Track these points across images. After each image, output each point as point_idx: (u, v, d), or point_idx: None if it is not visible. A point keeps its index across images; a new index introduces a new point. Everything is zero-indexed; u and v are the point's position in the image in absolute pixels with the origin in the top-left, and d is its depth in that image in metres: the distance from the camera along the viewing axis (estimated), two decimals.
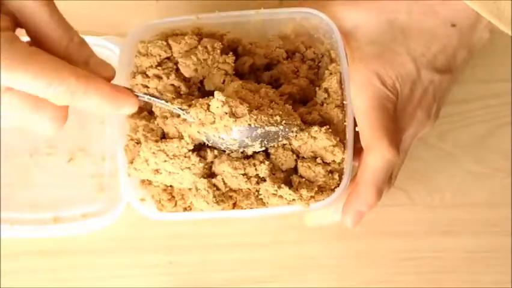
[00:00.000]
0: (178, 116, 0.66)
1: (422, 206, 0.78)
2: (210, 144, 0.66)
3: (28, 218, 0.75)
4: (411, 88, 0.67)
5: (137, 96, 0.60)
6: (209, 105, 0.64)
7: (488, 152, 0.78)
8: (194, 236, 0.77)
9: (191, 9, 0.78)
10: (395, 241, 0.77)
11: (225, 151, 0.66)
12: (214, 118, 0.64)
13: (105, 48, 0.75)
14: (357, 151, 0.66)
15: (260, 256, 0.77)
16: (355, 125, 0.66)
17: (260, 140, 0.64)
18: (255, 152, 0.66)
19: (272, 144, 0.65)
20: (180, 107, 0.65)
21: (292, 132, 0.65)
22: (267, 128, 0.63)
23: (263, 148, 0.65)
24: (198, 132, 0.65)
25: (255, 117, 0.63)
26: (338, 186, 0.65)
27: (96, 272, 0.77)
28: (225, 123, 0.63)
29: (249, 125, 0.63)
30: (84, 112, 0.76)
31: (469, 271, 0.77)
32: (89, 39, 0.76)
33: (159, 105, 0.66)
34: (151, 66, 0.69)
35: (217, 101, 0.63)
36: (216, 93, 0.63)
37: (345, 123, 0.66)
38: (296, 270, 0.77)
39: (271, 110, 0.64)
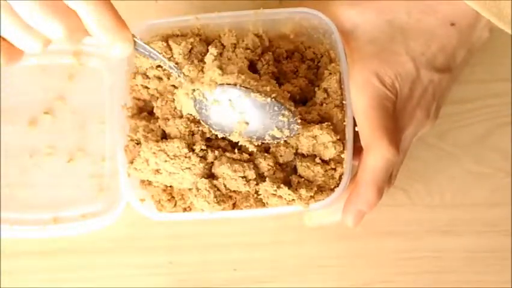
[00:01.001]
0: (181, 116, 0.66)
1: (422, 206, 0.78)
2: (196, 114, 0.65)
3: (28, 218, 0.75)
4: (410, 88, 0.67)
5: (134, 37, 0.59)
6: (203, 67, 0.64)
7: (488, 151, 0.78)
8: (194, 236, 0.77)
9: (191, 10, 0.78)
10: (395, 241, 0.77)
11: (221, 148, 0.66)
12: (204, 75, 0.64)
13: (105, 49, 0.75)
14: (357, 150, 0.66)
15: (260, 256, 0.77)
16: (354, 124, 0.66)
17: (244, 111, 0.63)
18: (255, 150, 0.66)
19: (258, 131, 0.64)
20: (174, 64, 0.65)
21: (282, 116, 0.63)
22: (252, 96, 0.62)
23: (246, 127, 0.64)
24: (187, 94, 0.64)
25: (243, 77, 0.63)
26: (338, 186, 0.65)
27: (96, 272, 0.77)
28: (211, 76, 0.63)
29: (235, 84, 0.62)
30: (84, 112, 0.77)
31: (469, 271, 0.77)
32: (88, 40, 0.77)
33: (154, 58, 0.63)
34: (151, 67, 0.69)
35: (210, 54, 0.63)
36: (210, 47, 0.63)
37: (344, 123, 0.66)
38: (296, 270, 0.77)
39: (264, 82, 0.64)
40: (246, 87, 0.62)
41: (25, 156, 0.77)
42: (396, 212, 0.78)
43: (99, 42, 0.56)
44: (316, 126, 0.66)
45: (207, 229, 0.77)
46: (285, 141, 0.66)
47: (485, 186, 0.78)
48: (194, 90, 0.64)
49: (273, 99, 0.63)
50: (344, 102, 0.67)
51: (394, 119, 0.66)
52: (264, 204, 0.66)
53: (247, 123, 0.64)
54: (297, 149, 0.67)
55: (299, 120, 0.64)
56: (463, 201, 0.78)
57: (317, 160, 0.66)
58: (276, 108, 0.63)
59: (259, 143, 0.65)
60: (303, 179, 0.66)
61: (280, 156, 0.66)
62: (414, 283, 0.77)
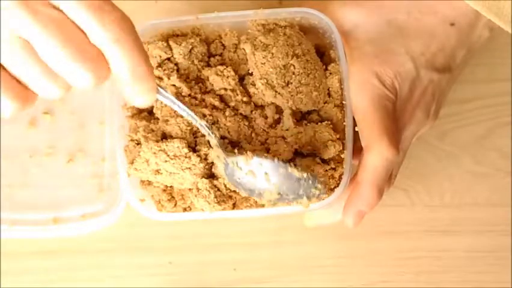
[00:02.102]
0: (182, 116, 0.66)
1: (421, 206, 0.78)
2: (223, 177, 0.65)
3: (28, 218, 0.75)
4: (410, 87, 0.67)
5: (160, 86, 0.57)
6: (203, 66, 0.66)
7: (488, 151, 0.78)
8: (194, 236, 0.77)
9: (191, 10, 0.78)
10: (395, 241, 0.77)
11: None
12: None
13: None
14: (357, 150, 0.66)
15: (260, 256, 0.77)
16: (354, 124, 0.66)
17: (278, 184, 0.63)
18: None
19: (287, 198, 0.64)
20: (207, 124, 0.65)
21: (314, 189, 0.63)
22: (289, 170, 0.63)
23: (277, 197, 0.64)
24: (218, 156, 0.65)
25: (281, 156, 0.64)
26: (338, 186, 0.65)
27: (96, 272, 0.77)
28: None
29: (273, 156, 0.64)
30: (84, 113, 0.77)
31: (468, 271, 0.77)
32: None
33: (182, 113, 0.63)
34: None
35: None
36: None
37: (344, 123, 0.66)
38: (296, 271, 0.77)
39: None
40: (283, 161, 0.63)
41: (25, 156, 0.77)
42: (396, 212, 0.78)
43: (122, 88, 0.52)
44: (316, 125, 0.66)
45: (207, 229, 0.77)
46: (284, 140, 0.66)
47: (485, 186, 0.78)
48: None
49: (309, 174, 0.63)
50: (343, 102, 0.67)
51: (394, 119, 0.66)
52: (264, 204, 0.66)
53: (279, 193, 0.64)
54: (296, 149, 0.67)
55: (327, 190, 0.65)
56: (463, 201, 0.78)
57: (317, 160, 0.66)
58: (310, 182, 0.63)
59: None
60: None
61: (280, 155, 0.66)
62: (414, 283, 0.77)
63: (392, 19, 0.67)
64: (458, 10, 0.67)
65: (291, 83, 0.66)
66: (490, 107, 0.78)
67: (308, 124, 0.67)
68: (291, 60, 0.66)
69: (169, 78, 0.68)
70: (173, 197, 0.68)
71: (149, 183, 0.68)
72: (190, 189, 0.67)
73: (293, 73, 0.66)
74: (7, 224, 0.74)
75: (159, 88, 0.57)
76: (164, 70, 0.68)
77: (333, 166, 0.66)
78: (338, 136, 0.66)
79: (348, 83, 0.66)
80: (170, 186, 0.68)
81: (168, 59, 0.69)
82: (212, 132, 0.65)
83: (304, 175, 0.63)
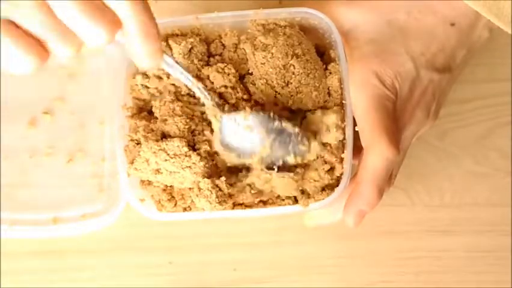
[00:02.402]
0: (180, 115, 0.66)
1: (421, 206, 0.78)
2: (217, 137, 0.66)
3: (28, 218, 0.75)
4: (410, 87, 0.67)
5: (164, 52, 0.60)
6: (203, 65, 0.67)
7: (488, 151, 0.78)
8: (194, 236, 0.77)
9: (191, 9, 0.78)
10: (395, 241, 0.77)
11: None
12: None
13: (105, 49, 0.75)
14: (357, 150, 0.66)
15: (260, 256, 0.77)
16: (354, 124, 0.66)
17: (272, 137, 0.65)
18: None
19: (275, 155, 0.66)
20: (204, 86, 0.66)
21: (302, 145, 0.65)
22: (283, 124, 0.65)
23: (269, 152, 0.66)
24: (215, 116, 0.66)
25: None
26: (338, 186, 0.65)
27: (96, 272, 0.77)
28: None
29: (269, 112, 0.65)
30: (84, 113, 0.77)
31: (469, 271, 0.77)
32: None
33: (180, 79, 0.65)
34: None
35: None
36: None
37: (344, 123, 0.66)
38: (296, 271, 0.77)
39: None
40: (279, 116, 0.65)
41: (25, 156, 0.77)
42: (396, 212, 0.78)
43: (130, 50, 0.54)
44: (326, 110, 0.67)
45: (207, 229, 0.77)
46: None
47: (485, 186, 0.78)
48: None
49: (299, 129, 0.65)
50: (343, 101, 0.67)
51: (394, 118, 0.66)
52: (264, 204, 0.67)
53: (270, 147, 0.65)
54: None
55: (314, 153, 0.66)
56: (463, 201, 0.78)
57: (318, 138, 0.66)
58: (299, 138, 0.65)
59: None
60: None
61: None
62: (414, 283, 0.77)
63: (392, 19, 0.67)
64: (458, 10, 0.67)
65: (291, 83, 0.67)
66: (490, 107, 0.78)
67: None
68: (291, 60, 0.66)
69: (168, 78, 0.68)
70: (173, 197, 0.68)
71: (149, 183, 0.68)
72: (190, 188, 0.67)
73: (293, 73, 0.66)
74: (7, 224, 0.74)
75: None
76: (164, 70, 0.68)
77: (333, 166, 0.66)
78: (343, 125, 0.66)
79: (348, 82, 0.66)
80: (170, 186, 0.68)
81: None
82: (209, 94, 0.66)
83: (296, 130, 0.65)
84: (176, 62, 0.64)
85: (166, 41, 0.69)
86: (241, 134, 0.66)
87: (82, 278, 0.77)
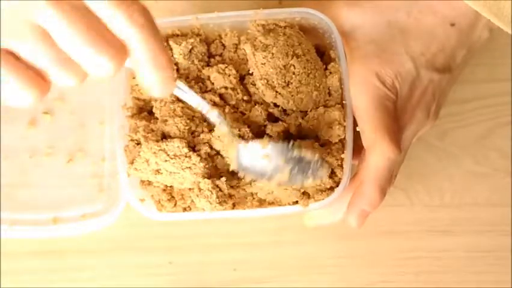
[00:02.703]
0: (180, 116, 0.66)
1: (421, 206, 0.78)
2: (231, 162, 0.66)
3: (28, 218, 0.75)
4: (410, 87, 0.67)
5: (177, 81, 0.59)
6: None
7: (488, 151, 0.78)
8: (194, 236, 0.77)
9: (191, 10, 0.78)
10: (395, 241, 0.77)
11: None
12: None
13: None
14: (356, 150, 0.66)
15: (260, 256, 0.77)
16: (355, 124, 0.66)
17: (291, 166, 0.64)
18: None
19: (295, 179, 0.65)
20: (220, 112, 0.65)
21: (320, 170, 0.65)
22: (302, 154, 0.64)
23: (287, 179, 0.65)
24: (231, 142, 0.65)
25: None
26: (338, 186, 0.65)
27: (96, 272, 0.77)
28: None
29: (288, 141, 0.64)
30: (84, 113, 0.77)
31: (468, 271, 0.77)
32: None
33: (194, 105, 0.64)
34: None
35: None
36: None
37: (344, 124, 0.66)
38: (296, 271, 0.77)
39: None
40: (298, 145, 0.64)
41: (25, 156, 0.77)
42: (396, 212, 0.78)
43: (140, 78, 0.52)
44: (328, 108, 0.67)
45: (207, 229, 0.77)
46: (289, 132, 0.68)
47: (485, 186, 0.78)
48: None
49: (318, 156, 0.64)
50: (344, 102, 0.67)
51: (395, 118, 0.66)
52: (264, 205, 0.67)
53: (289, 175, 0.65)
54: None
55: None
56: (463, 201, 0.78)
57: (315, 145, 0.66)
58: (318, 164, 0.64)
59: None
60: None
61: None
62: (414, 283, 0.77)
63: (392, 19, 0.67)
64: (458, 10, 0.67)
65: (291, 83, 0.66)
66: (490, 107, 0.78)
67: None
68: (291, 60, 0.66)
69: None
70: (173, 197, 0.68)
71: (149, 183, 0.68)
72: (190, 189, 0.67)
73: (293, 73, 0.66)
74: (7, 224, 0.74)
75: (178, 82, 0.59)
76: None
77: (333, 166, 0.66)
78: (344, 123, 0.66)
79: (348, 82, 0.66)
80: (170, 186, 0.68)
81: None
82: (226, 120, 0.65)
83: (316, 157, 0.64)
84: (190, 88, 0.62)
85: (167, 41, 0.69)
86: (259, 161, 0.65)
87: (82, 278, 0.77)
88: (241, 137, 0.66)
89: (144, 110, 0.70)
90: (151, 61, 0.51)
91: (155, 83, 0.52)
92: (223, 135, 0.66)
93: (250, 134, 0.67)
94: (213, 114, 0.64)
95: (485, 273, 0.77)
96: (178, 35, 0.70)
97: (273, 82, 0.66)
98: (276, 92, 0.67)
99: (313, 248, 0.77)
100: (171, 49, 0.69)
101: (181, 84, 0.61)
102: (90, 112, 0.77)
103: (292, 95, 0.67)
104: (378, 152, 0.64)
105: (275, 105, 0.68)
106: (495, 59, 0.78)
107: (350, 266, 0.77)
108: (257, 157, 0.64)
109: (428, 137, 0.77)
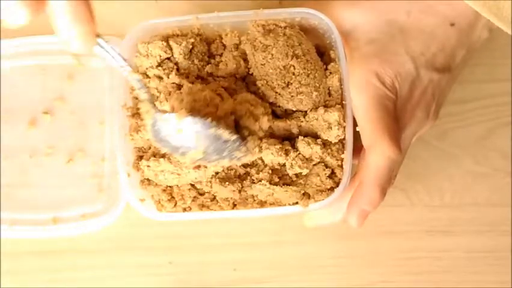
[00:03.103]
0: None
1: (421, 206, 0.78)
2: (148, 133, 0.64)
3: (28, 218, 0.75)
4: (410, 87, 0.67)
5: (100, 36, 0.55)
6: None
7: (488, 151, 0.78)
8: (194, 236, 0.77)
9: (191, 10, 0.78)
10: (395, 241, 0.77)
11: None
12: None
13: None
14: (356, 150, 0.66)
15: (260, 256, 0.77)
16: (355, 124, 0.66)
17: (206, 144, 0.62)
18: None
19: (209, 158, 0.64)
20: (141, 79, 0.64)
21: (238, 152, 0.63)
22: (219, 133, 0.62)
23: (201, 156, 0.63)
24: (147, 112, 0.65)
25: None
26: (337, 186, 0.65)
27: (96, 272, 0.77)
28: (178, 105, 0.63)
29: (205, 116, 0.62)
30: (84, 112, 0.77)
31: (469, 271, 0.77)
32: None
33: (117, 68, 0.60)
34: (151, 67, 0.69)
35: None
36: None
37: (344, 124, 0.66)
38: (296, 271, 0.77)
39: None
40: (215, 122, 0.62)
41: (25, 156, 0.77)
42: (395, 212, 0.77)
43: (57, 32, 0.51)
44: (328, 108, 0.66)
45: (207, 229, 0.77)
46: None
47: (485, 186, 0.78)
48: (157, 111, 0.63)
49: (237, 137, 0.63)
50: (343, 102, 0.67)
51: (395, 118, 0.66)
52: (264, 204, 0.67)
53: (204, 152, 0.63)
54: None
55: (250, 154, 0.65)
56: (463, 201, 0.78)
57: (319, 141, 0.66)
58: (236, 144, 0.63)
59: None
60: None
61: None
62: (414, 283, 0.77)
63: (392, 19, 0.67)
64: (458, 10, 0.67)
65: (291, 84, 0.66)
66: (490, 107, 0.78)
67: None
68: (291, 61, 0.66)
69: (168, 77, 0.68)
70: (173, 197, 0.69)
71: (149, 183, 0.68)
72: (189, 189, 0.67)
73: (293, 73, 0.66)
74: (7, 224, 0.74)
75: (99, 37, 0.56)
76: (164, 69, 0.68)
77: (333, 166, 0.66)
78: (344, 124, 0.66)
79: (348, 83, 0.66)
80: (170, 186, 0.68)
81: (168, 58, 0.69)
82: (145, 87, 0.63)
83: (233, 137, 0.62)
84: (113, 49, 0.58)
85: (166, 41, 0.69)
86: (173, 134, 0.63)
87: (82, 278, 0.77)
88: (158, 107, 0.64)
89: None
90: (69, 13, 0.50)
91: (74, 37, 0.51)
92: (143, 103, 0.65)
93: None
94: (133, 78, 0.62)
95: (485, 273, 0.77)
96: (178, 35, 0.70)
97: (273, 83, 0.66)
98: (276, 92, 0.66)
99: (313, 248, 0.77)
100: (171, 49, 0.69)
101: (102, 41, 0.56)
102: (90, 112, 0.77)
103: (292, 96, 0.66)
104: (378, 152, 0.64)
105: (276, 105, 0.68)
106: (495, 59, 0.78)
107: (350, 266, 0.77)
108: (172, 130, 0.62)
109: (428, 137, 0.77)
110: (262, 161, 0.67)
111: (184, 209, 0.69)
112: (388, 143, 0.64)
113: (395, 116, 0.66)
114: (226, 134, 0.62)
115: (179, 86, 0.68)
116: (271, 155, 0.65)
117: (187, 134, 0.62)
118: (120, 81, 0.70)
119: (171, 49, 0.69)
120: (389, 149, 0.64)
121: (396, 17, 0.67)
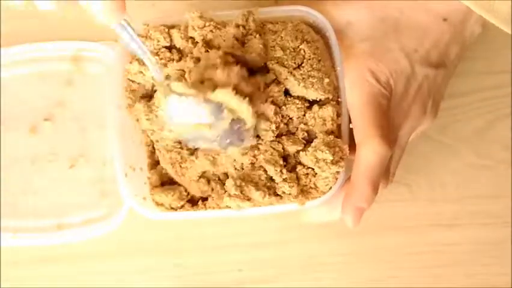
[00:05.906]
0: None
1: (424, 200, 0.78)
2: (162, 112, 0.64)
3: (31, 225, 0.75)
4: (405, 84, 0.67)
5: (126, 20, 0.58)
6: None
7: (489, 144, 0.78)
8: (198, 238, 0.78)
9: (190, 10, 0.78)
10: (398, 236, 0.77)
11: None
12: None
13: (103, 54, 0.77)
14: (353, 147, 0.66)
15: (265, 256, 0.78)
16: (350, 121, 0.66)
17: (220, 126, 0.61)
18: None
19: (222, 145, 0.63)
20: (158, 60, 0.64)
21: (250, 137, 0.64)
22: (234, 116, 0.61)
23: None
24: (163, 93, 0.63)
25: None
26: (335, 183, 0.65)
27: (102, 277, 0.78)
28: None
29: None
30: (84, 118, 0.77)
31: (474, 264, 0.77)
32: (87, 45, 0.77)
33: (132, 48, 0.61)
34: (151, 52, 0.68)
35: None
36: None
37: (338, 121, 0.66)
38: (301, 269, 0.78)
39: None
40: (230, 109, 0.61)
41: (27, 163, 0.77)
42: (398, 207, 0.78)
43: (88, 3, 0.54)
44: (324, 105, 0.66)
45: (211, 230, 0.78)
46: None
47: (487, 179, 0.78)
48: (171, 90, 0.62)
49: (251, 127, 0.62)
50: (339, 99, 0.67)
51: (388, 116, 0.66)
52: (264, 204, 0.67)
53: (209, 126, 0.62)
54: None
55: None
56: (465, 194, 0.78)
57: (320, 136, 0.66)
58: (248, 130, 0.63)
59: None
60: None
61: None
62: (418, 277, 0.77)
63: (385, 16, 0.68)
64: (450, 7, 0.67)
65: (303, 67, 0.66)
66: (490, 100, 0.78)
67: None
68: (301, 44, 0.66)
69: (166, 66, 0.68)
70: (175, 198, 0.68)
71: (150, 183, 0.69)
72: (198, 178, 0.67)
73: (303, 57, 0.66)
74: (10, 232, 0.75)
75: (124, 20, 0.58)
76: (161, 59, 0.68)
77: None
78: (338, 121, 0.66)
79: (343, 80, 0.66)
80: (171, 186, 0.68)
81: (168, 48, 0.69)
82: (161, 69, 0.63)
83: (248, 125, 0.62)
84: (133, 30, 0.60)
85: (168, 32, 0.69)
86: (187, 117, 0.62)
87: (87, 282, 0.77)
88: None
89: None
90: None
91: (103, 9, 0.54)
92: (158, 85, 0.64)
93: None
94: (149, 61, 0.62)
95: (490, 265, 0.77)
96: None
97: (283, 63, 0.66)
98: (289, 72, 0.65)
99: (317, 246, 0.78)
100: (170, 35, 0.68)
101: (126, 21, 0.59)
102: (90, 117, 0.77)
103: (303, 78, 0.66)
104: (369, 148, 0.64)
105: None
106: (494, 51, 0.78)
107: (354, 262, 0.77)
108: (186, 113, 0.61)
109: (428, 132, 0.77)
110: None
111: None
112: (379, 139, 0.64)
113: (388, 114, 0.66)
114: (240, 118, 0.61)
115: (183, 72, 0.67)
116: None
117: (201, 117, 0.61)
118: (117, 81, 0.69)
119: (170, 35, 0.68)
120: (379, 145, 0.64)
121: (389, 15, 0.67)
